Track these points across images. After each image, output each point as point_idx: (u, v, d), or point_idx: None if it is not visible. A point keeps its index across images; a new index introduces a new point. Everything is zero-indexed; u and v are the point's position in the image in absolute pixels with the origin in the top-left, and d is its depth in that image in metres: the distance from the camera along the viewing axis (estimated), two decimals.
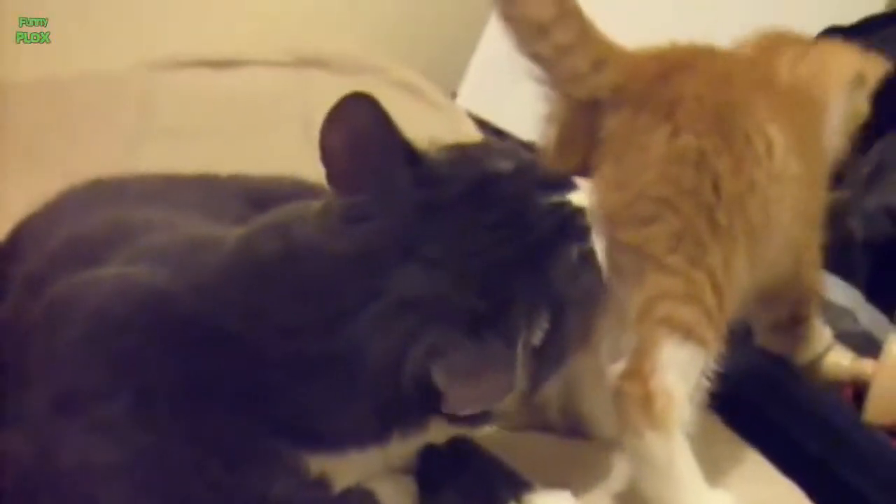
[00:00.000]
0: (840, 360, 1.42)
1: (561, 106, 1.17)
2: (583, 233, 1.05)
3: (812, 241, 1.29)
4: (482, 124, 2.24)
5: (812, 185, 1.22)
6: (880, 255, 1.61)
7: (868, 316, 1.51)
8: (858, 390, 1.41)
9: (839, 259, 1.53)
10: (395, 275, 0.96)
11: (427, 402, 0.95)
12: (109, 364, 0.97)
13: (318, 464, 0.98)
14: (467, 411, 0.95)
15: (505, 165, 1.04)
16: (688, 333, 1.07)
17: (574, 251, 1.03)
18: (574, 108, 1.15)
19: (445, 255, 0.98)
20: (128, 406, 0.95)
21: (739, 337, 1.18)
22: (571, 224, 1.04)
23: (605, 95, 1.12)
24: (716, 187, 1.09)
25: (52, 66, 2.07)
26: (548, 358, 1.01)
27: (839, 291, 1.52)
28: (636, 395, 1.06)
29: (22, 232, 1.20)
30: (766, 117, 1.13)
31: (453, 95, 2.32)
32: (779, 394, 1.37)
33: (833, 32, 1.70)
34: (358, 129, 0.99)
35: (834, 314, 1.48)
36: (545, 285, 1.00)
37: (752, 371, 1.29)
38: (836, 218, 1.52)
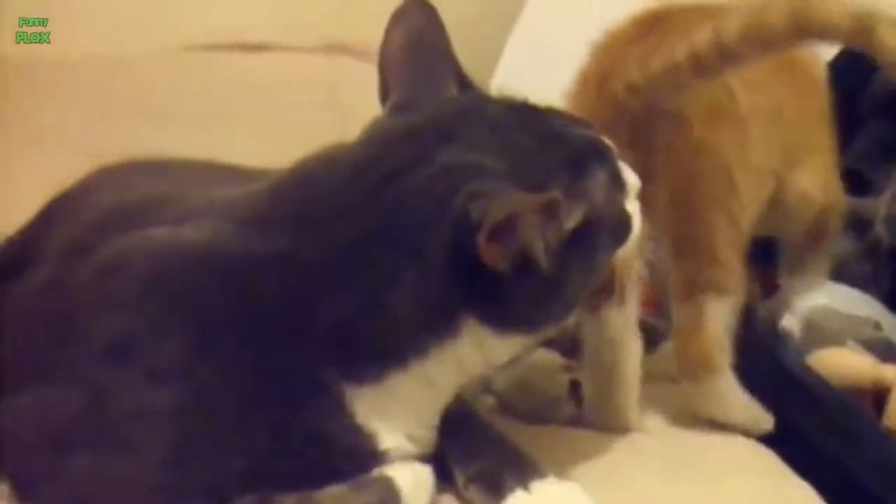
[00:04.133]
0: (861, 363, 1.43)
1: None
2: (615, 163, 1.07)
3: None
4: None
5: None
6: None
7: (890, 324, 1.51)
8: (879, 396, 1.41)
9: (864, 265, 1.54)
10: (438, 149, 0.98)
11: (463, 287, 0.95)
12: (163, 307, 0.98)
13: (364, 407, 0.98)
14: (500, 257, 0.94)
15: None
16: (722, 291, 1.27)
17: (606, 174, 1.04)
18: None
19: (488, 142, 0.99)
20: (183, 346, 0.96)
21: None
22: (606, 153, 1.06)
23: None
24: None
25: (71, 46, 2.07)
26: (576, 259, 1.00)
27: (859, 304, 1.53)
28: (696, 351, 1.27)
29: (55, 206, 1.21)
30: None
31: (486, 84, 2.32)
32: (797, 395, 1.38)
33: None
34: (416, 29, 1.05)
35: (855, 324, 1.49)
36: (580, 186, 1.01)
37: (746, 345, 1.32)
38: (862, 224, 1.53)
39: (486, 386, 1.31)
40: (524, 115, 1.04)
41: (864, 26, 1.11)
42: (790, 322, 1.51)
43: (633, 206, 1.08)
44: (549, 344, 1.33)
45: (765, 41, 1.16)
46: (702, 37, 1.16)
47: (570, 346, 1.32)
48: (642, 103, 1.21)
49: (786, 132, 1.36)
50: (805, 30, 1.14)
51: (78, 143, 1.75)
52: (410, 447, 1.02)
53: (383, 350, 0.97)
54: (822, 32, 1.14)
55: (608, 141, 1.07)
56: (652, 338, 1.33)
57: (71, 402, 0.98)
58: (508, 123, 1.02)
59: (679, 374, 1.29)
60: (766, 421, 1.31)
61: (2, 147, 1.46)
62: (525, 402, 1.30)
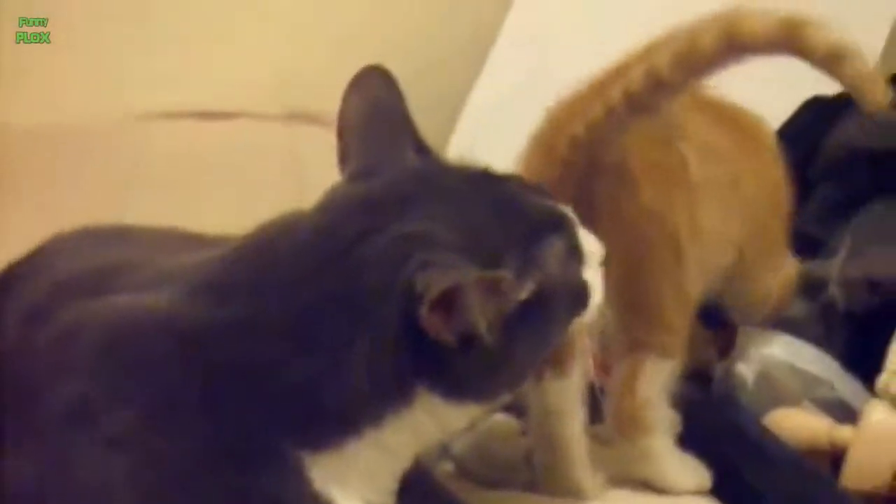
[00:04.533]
0: (818, 424, 1.44)
1: None
2: (574, 233, 1.07)
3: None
4: None
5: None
6: (860, 325, 1.63)
7: (845, 385, 1.53)
8: (836, 457, 1.42)
9: (818, 327, 1.56)
10: (393, 218, 0.99)
11: (415, 357, 0.96)
12: (120, 374, 0.98)
13: (321, 473, 0.98)
14: (443, 329, 0.94)
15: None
16: (664, 353, 1.28)
17: (563, 244, 1.04)
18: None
19: (444, 212, 1.00)
20: (140, 413, 0.96)
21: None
22: (564, 222, 1.06)
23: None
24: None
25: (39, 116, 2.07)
26: (527, 331, 1.00)
27: (815, 361, 1.55)
28: (629, 409, 1.28)
29: (13, 272, 1.20)
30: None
31: (442, 149, 2.33)
32: (754, 457, 1.39)
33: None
34: (374, 96, 1.06)
35: (809, 383, 1.50)
36: (534, 258, 1.01)
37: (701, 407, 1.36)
38: (816, 286, 1.55)
39: (444, 451, 1.32)
40: (481, 183, 1.05)
41: (791, 32, 1.12)
42: (744, 370, 1.52)
43: (593, 275, 1.08)
44: (506, 408, 1.34)
45: (697, 65, 1.17)
46: (634, 74, 1.18)
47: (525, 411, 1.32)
48: (585, 157, 1.22)
49: (745, 204, 1.37)
50: (735, 46, 1.14)
51: (39, 210, 1.75)
52: None
53: (339, 418, 0.97)
54: (752, 45, 1.14)
55: (568, 210, 1.08)
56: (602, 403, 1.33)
57: (31, 472, 0.98)
58: (465, 192, 1.03)
59: (613, 431, 1.30)
60: (704, 479, 1.32)
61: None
62: (483, 467, 1.30)
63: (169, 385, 0.98)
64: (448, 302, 0.93)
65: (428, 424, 1.00)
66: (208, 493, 0.96)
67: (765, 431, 1.43)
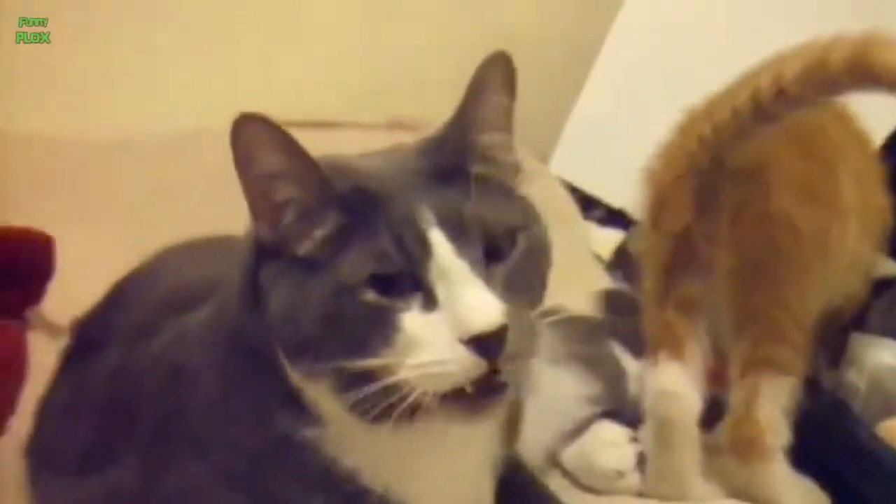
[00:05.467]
0: None
1: None
2: None
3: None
4: (573, 190, 2.25)
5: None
6: None
7: None
8: None
9: None
10: None
11: None
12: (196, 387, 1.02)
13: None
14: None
15: None
16: (782, 369, 1.24)
17: None
18: None
19: None
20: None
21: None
22: None
23: None
24: None
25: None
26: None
27: None
28: (747, 433, 1.25)
29: (121, 288, 1.25)
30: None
31: (545, 160, 2.33)
32: (866, 466, 1.36)
33: None
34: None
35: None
36: None
37: (813, 416, 1.31)
38: None
39: (552, 459, 1.31)
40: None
41: None
42: (855, 378, 1.49)
43: None
44: (615, 416, 1.34)
45: (824, 85, 1.16)
46: (762, 80, 1.17)
47: (635, 419, 1.31)
48: (711, 158, 1.22)
49: (875, 233, 1.38)
50: (865, 76, 1.13)
51: (132, 221, 1.77)
52: None
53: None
54: (881, 79, 1.12)
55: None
56: (716, 412, 1.32)
57: (131, 483, 1.04)
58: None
59: (729, 453, 1.28)
60: (821, 502, 1.29)
61: (54, 227, 1.48)
62: (590, 475, 1.30)
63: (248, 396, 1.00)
64: None
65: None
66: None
67: (878, 441, 1.40)
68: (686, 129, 1.29)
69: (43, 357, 1.35)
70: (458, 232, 0.93)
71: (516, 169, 1.03)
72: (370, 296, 0.93)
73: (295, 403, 0.98)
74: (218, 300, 1.04)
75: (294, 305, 0.95)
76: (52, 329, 1.50)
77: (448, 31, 2.43)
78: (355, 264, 0.94)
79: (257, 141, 0.95)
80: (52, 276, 1.48)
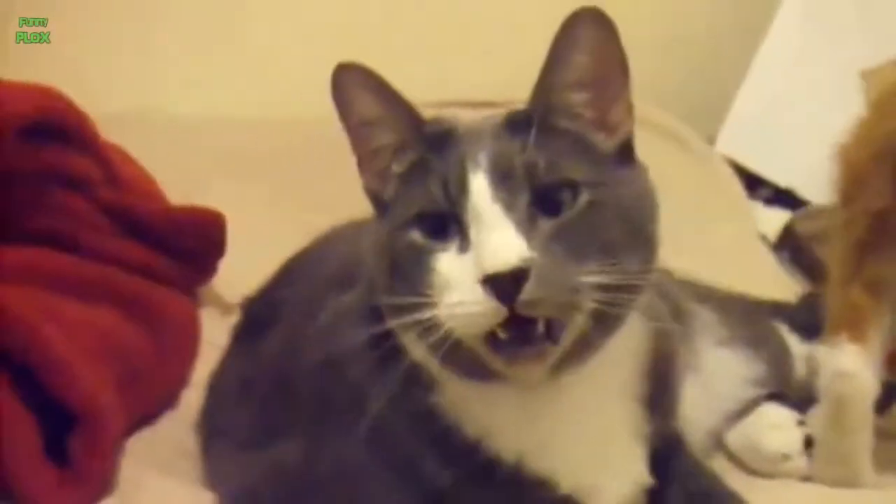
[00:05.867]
0: None
1: None
2: None
3: None
4: (739, 170, 2.22)
5: None
6: None
7: None
8: None
9: None
10: None
11: None
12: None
13: None
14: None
15: None
16: None
17: None
18: None
19: None
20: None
21: None
22: None
23: None
24: None
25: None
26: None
27: None
28: None
29: (291, 266, 1.27)
30: None
31: (711, 140, 2.31)
32: None
33: None
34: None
35: None
36: None
37: None
38: None
39: (716, 442, 1.30)
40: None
41: None
42: None
43: None
44: (780, 399, 1.32)
45: None
46: None
47: (801, 402, 1.29)
48: None
49: None
50: None
51: (304, 199, 1.80)
52: None
53: None
54: None
55: None
56: (888, 397, 1.29)
57: (291, 459, 1.06)
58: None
59: None
60: None
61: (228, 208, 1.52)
62: (757, 458, 1.28)
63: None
64: None
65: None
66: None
67: None
68: (882, 106, 1.26)
69: (214, 334, 1.39)
70: (502, 178, 0.94)
71: (615, 126, 1.01)
72: (415, 235, 0.96)
73: (421, 372, 1.00)
74: (368, 273, 1.05)
75: (372, 252, 1.00)
76: (223, 306, 1.54)
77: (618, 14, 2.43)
78: (407, 203, 0.97)
79: (353, 87, 0.99)
80: (223, 254, 1.53)
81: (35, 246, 1.29)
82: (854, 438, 1.23)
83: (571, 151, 0.97)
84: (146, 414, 1.29)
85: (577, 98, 0.98)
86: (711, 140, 2.31)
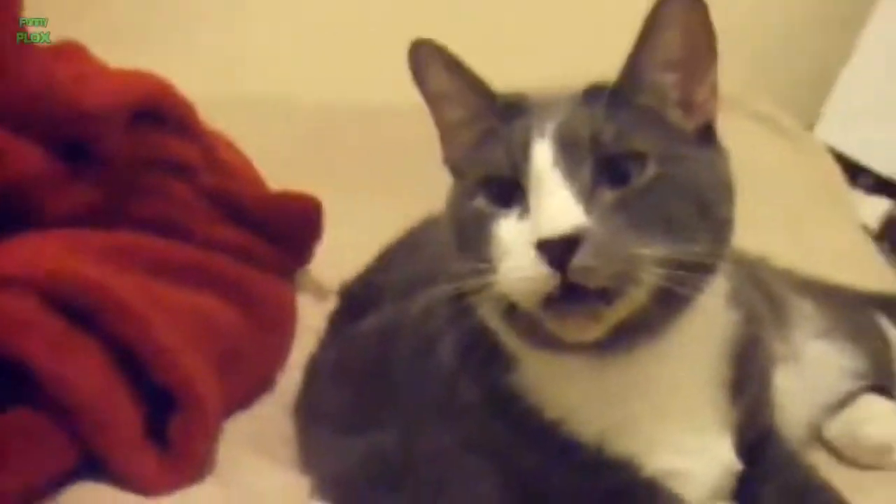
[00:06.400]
0: None
1: None
2: None
3: None
4: (840, 158, 2.19)
5: None
6: None
7: None
8: None
9: None
10: None
11: None
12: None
13: None
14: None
15: None
16: None
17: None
18: None
19: None
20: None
21: None
22: None
23: None
24: None
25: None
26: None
27: None
28: None
29: (391, 251, 1.29)
30: None
31: (811, 127, 2.28)
32: None
33: None
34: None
35: None
36: None
37: None
38: None
39: (815, 434, 1.29)
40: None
41: None
42: None
43: None
44: (881, 391, 1.30)
45: None
46: None
47: None
48: None
49: None
50: None
51: (394, 190, 1.81)
52: None
53: None
54: None
55: None
56: None
57: (391, 446, 1.07)
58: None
59: None
60: None
61: (325, 194, 1.53)
62: (856, 450, 1.27)
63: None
64: None
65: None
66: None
67: None
68: None
69: (310, 319, 1.41)
70: (566, 145, 0.94)
71: (698, 107, 1.00)
72: (479, 201, 0.97)
73: (501, 351, 1.01)
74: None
75: (445, 220, 1.03)
76: (319, 292, 1.56)
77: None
78: (475, 170, 0.99)
79: (426, 63, 1.02)
80: (320, 238, 1.54)
81: (140, 231, 1.31)
82: None
83: (644, 125, 0.97)
84: (244, 397, 1.31)
85: (664, 77, 0.98)
86: (811, 127, 2.28)
